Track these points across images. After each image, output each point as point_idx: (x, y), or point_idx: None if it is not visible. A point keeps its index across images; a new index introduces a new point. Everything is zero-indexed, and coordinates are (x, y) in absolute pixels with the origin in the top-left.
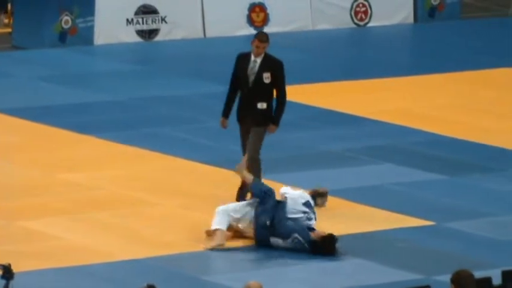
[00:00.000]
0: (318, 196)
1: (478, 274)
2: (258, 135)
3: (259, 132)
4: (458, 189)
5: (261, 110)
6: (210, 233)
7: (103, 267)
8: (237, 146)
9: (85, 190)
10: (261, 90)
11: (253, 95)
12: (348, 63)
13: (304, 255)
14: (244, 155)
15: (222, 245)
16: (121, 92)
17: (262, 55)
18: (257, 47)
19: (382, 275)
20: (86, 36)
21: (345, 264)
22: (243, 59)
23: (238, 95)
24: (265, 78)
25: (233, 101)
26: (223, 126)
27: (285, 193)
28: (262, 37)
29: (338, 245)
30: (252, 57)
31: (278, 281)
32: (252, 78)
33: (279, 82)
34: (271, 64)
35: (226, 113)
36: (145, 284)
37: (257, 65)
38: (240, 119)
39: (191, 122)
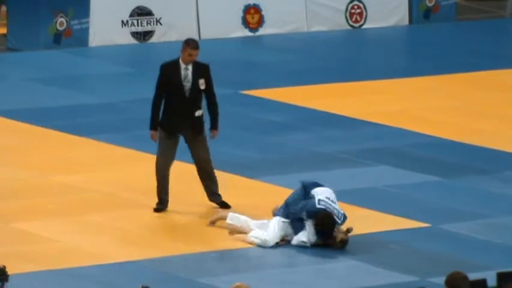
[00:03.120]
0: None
1: (473, 276)
2: (204, 142)
3: (204, 140)
4: (453, 191)
5: (198, 117)
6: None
7: (97, 269)
8: (232, 149)
9: (79, 192)
10: (197, 98)
11: (190, 104)
12: (343, 65)
13: (299, 258)
14: (168, 167)
15: (223, 217)
16: (116, 94)
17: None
18: (190, 55)
19: (377, 276)
20: (80, 38)
21: (339, 266)
22: (171, 69)
23: (164, 105)
24: (201, 84)
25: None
26: (155, 139)
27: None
28: (194, 44)
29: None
30: (183, 65)
31: (272, 284)
32: (188, 86)
33: (211, 86)
34: (202, 69)
35: (155, 126)
36: (140, 286)
37: (189, 72)
38: (174, 130)
39: None
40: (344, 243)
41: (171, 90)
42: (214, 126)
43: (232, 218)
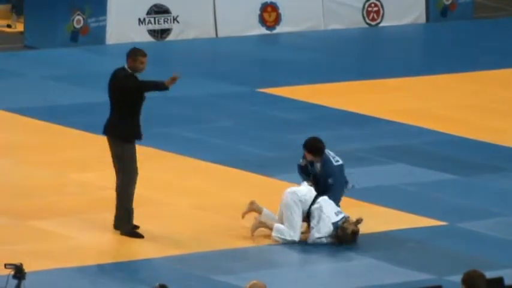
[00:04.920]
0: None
1: (490, 274)
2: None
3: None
4: (470, 189)
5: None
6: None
7: (114, 266)
8: (248, 147)
9: (96, 190)
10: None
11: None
12: (359, 63)
13: (314, 256)
14: (136, 174)
15: (258, 210)
16: None
17: None
18: (142, 62)
19: (394, 275)
20: (97, 36)
21: (356, 264)
22: (129, 78)
23: (129, 115)
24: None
25: None
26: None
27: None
28: (143, 51)
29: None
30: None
31: (288, 282)
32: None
33: None
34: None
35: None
36: (157, 284)
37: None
38: (141, 135)
39: (202, 122)
40: (355, 234)
41: (136, 98)
42: None
43: (267, 214)
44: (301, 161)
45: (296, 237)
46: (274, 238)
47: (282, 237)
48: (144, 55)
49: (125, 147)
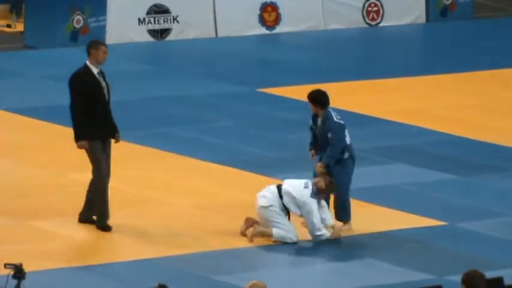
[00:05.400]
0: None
1: (490, 274)
2: (110, 147)
3: (110, 144)
4: (470, 189)
5: (113, 122)
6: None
7: (114, 267)
8: (248, 147)
9: None
10: (109, 101)
11: (108, 108)
12: (359, 63)
13: (314, 256)
14: (107, 172)
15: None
16: (132, 91)
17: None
18: (105, 52)
19: (394, 275)
20: (97, 36)
21: (355, 264)
22: (87, 77)
23: (89, 114)
24: (109, 86)
25: None
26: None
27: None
28: (103, 41)
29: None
30: (95, 71)
31: (288, 282)
32: (105, 90)
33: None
34: (102, 72)
35: (85, 136)
36: (156, 284)
37: (100, 76)
38: (103, 135)
39: (202, 122)
40: (332, 183)
41: (94, 97)
42: (117, 129)
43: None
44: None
45: (295, 237)
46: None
47: (284, 241)
48: (105, 44)
49: (90, 145)
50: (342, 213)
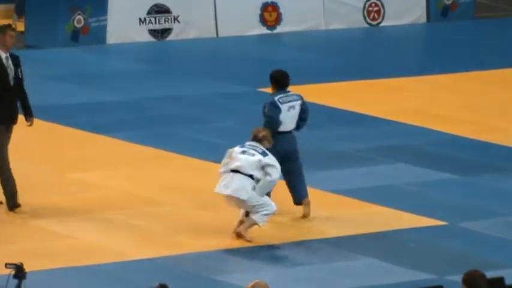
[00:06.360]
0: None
1: (491, 274)
2: (11, 134)
3: (12, 131)
4: (471, 189)
5: (17, 107)
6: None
7: (115, 266)
8: None
9: (97, 190)
10: (18, 87)
11: (14, 93)
12: (360, 63)
13: (315, 256)
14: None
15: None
16: (133, 91)
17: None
18: (11, 36)
19: (394, 274)
20: (98, 36)
21: (356, 264)
22: None
23: None
24: (20, 73)
25: None
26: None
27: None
28: (10, 27)
29: None
30: (3, 55)
31: (289, 281)
32: (11, 75)
33: (23, 76)
34: (16, 58)
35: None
36: (157, 284)
37: (9, 61)
38: (10, 120)
39: (203, 122)
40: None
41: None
42: (30, 113)
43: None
44: None
45: (274, 206)
46: (264, 225)
47: (268, 217)
48: (12, 29)
49: None
50: None
